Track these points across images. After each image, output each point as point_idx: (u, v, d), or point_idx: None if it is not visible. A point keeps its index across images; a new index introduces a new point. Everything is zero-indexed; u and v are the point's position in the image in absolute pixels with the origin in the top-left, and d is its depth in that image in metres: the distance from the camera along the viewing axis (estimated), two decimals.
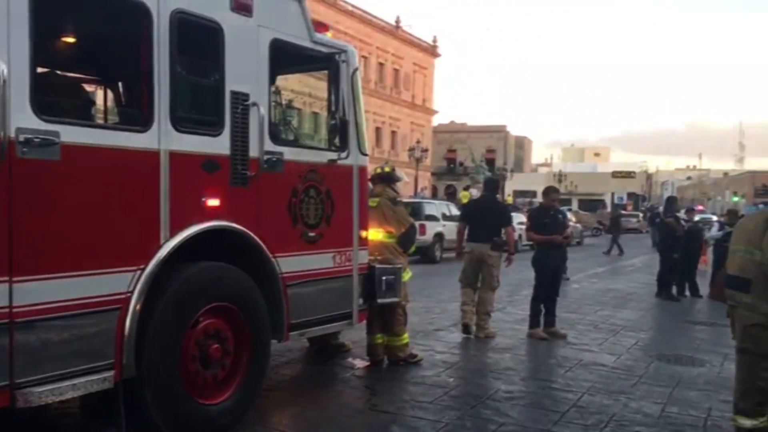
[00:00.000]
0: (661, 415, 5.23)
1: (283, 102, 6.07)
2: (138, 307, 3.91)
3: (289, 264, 5.00)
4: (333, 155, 5.47)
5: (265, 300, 4.78)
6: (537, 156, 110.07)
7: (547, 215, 8.53)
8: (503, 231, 8.38)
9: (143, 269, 3.97)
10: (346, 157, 5.56)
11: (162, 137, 4.09)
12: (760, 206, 31.83)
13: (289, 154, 5.05)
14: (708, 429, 4.95)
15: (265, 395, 5.20)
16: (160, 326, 4.02)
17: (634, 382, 6.19)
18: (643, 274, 17.02)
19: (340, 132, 5.51)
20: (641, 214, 50.83)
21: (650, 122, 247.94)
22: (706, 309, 11.82)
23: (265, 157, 4.78)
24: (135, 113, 4.09)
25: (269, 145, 4.84)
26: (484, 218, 8.39)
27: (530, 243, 8.98)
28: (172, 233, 4.13)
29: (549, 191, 8.79)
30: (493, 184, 9.56)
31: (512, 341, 7.93)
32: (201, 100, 4.62)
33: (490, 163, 71.89)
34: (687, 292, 13.04)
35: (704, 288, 13.11)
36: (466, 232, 8.61)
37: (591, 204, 62.71)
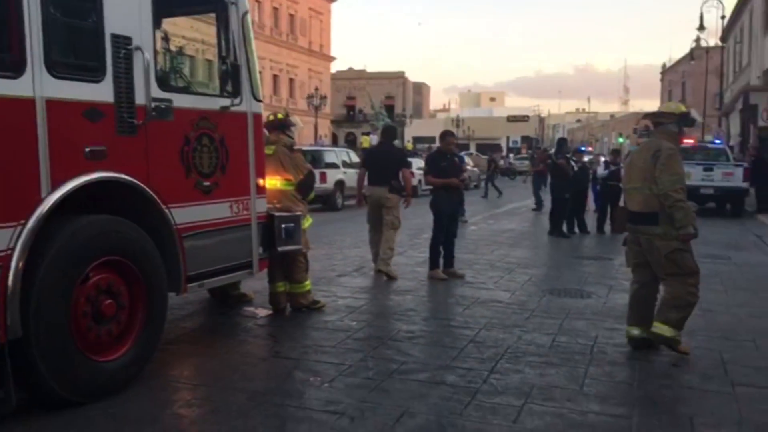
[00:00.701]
0: (552, 344, 5.52)
1: (173, 48, 5.81)
2: (20, 264, 3.70)
3: (183, 215, 4.86)
4: (225, 102, 5.29)
5: (160, 252, 4.64)
6: (435, 102, 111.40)
7: (444, 159, 8.66)
8: (401, 175, 8.60)
9: (24, 225, 3.75)
10: (240, 104, 5.40)
11: (37, 84, 3.82)
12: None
13: (179, 101, 4.86)
14: (594, 355, 5.26)
15: (164, 349, 5.11)
16: (47, 284, 3.84)
17: (528, 316, 6.49)
18: (537, 214, 17.74)
19: (232, 77, 5.34)
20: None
21: (542, 68, 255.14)
22: (594, 245, 12.49)
23: (153, 104, 4.57)
24: (4, 58, 3.79)
25: (157, 92, 4.63)
26: (382, 163, 8.71)
27: (429, 188, 9.12)
28: (54, 186, 3.91)
29: (445, 135, 8.91)
30: (391, 131, 9.76)
31: (413, 283, 8.10)
32: (79, 44, 4.33)
33: (390, 109, 72.09)
34: (576, 230, 13.72)
35: (591, 225, 13.85)
36: (366, 177, 8.90)
37: (488, 148, 64.28)
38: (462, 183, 8.85)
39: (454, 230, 8.83)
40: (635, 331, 5.46)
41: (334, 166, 20.08)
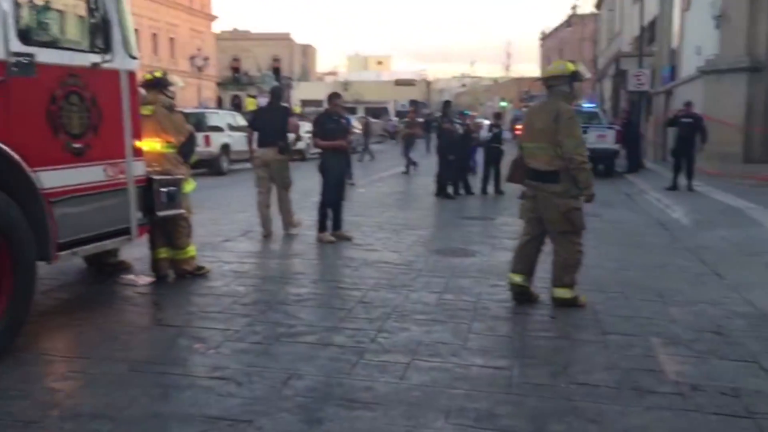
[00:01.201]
0: (438, 302, 5.65)
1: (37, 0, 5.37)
2: None
3: (52, 179, 4.55)
4: (96, 58, 4.97)
5: (27, 218, 4.34)
6: (323, 65, 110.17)
7: (331, 121, 8.58)
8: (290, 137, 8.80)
9: None
10: (112, 61, 5.09)
11: None
12: (523, 110, 34.75)
13: (44, 56, 4.51)
14: (478, 310, 5.43)
15: (36, 321, 4.82)
16: None
17: (415, 276, 6.61)
18: (423, 176, 18.00)
19: (103, 32, 5.00)
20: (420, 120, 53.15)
21: (428, 31, 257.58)
22: (478, 206, 12.86)
23: (13, 59, 4.22)
24: None
25: (17, 46, 4.28)
26: (271, 124, 8.78)
27: (318, 151, 9.07)
28: None
29: (332, 97, 8.82)
30: (279, 91, 9.72)
31: (301, 247, 8.05)
32: None
33: (276, 72, 70.65)
34: (462, 191, 14.07)
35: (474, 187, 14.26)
36: (256, 138, 8.93)
37: (376, 112, 64.53)
38: (349, 145, 8.83)
39: (343, 193, 8.81)
40: (517, 278, 5.70)
41: (218, 129, 19.52)
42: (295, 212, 9.09)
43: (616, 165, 19.43)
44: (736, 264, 7.39)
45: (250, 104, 37.64)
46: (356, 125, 28.83)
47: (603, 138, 18.43)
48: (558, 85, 5.65)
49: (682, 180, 14.29)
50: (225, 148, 19.21)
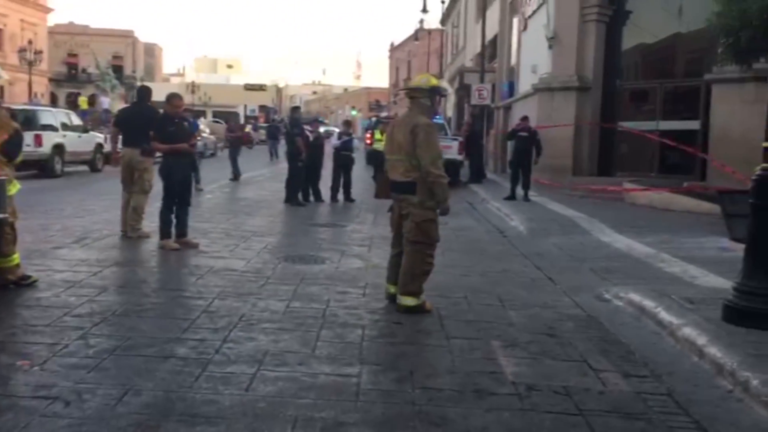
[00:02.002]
0: (286, 310, 5.56)
1: None
2: None
3: None
4: None
5: None
6: (169, 65, 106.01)
7: (171, 123, 8.21)
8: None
9: None
10: None
11: None
12: (373, 119, 35.38)
13: None
14: (326, 318, 5.39)
15: None
16: None
17: (263, 283, 6.47)
18: (273, 182, 17.78)
19: None
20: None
21: (280, 37, 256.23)
22: (328, 212, 12.90)
23: None
24: None
25: None
26: (135, 124, 8.64)
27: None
28: None
29: (172, 98, 8.42)
30: (146, 91, 9.61)
31: (143, 255, 7.67)
32: None
33: (118, 70, 67.16)
34: (312, 198, 14.04)
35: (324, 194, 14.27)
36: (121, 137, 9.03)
37: (225, 116, 63.14)
38: (192, 148, 8.49)
39: (188, 198, 8.48)
40: (393, 289, 5.82)
41: (51, 128, 18.18)
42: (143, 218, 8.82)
43: (460, 175, 20.25)
44: (567, 269, 7.91)
45: (83, 103, 35.64)
46: (205, 129, 28.05)
47: (448, 149, 19.09)
48: (419, 97, 5.78)
49: (520, 190, 15.14)
50: (58, 148, 17.95)
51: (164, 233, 8.10)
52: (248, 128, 35.05)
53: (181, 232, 8.32)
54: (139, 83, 63.55)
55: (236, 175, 18.44)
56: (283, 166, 14.90)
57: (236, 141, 19.51)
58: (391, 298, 5.86)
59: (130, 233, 8.54)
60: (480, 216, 13.21)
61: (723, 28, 10.90)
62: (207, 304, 5.62)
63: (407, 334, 5.13)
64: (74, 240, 8.23)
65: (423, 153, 5.47)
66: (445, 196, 5.58)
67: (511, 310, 5.94)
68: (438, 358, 4.61)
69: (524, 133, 15.33)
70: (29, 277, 5.97)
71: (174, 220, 8.22)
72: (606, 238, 9.98)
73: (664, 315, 5.41)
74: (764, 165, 5.05)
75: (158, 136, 8.22)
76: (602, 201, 14.82)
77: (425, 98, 5.77)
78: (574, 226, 11.23)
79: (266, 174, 20.66)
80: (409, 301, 5.64)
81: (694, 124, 15.71)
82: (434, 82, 5.88)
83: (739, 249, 9.04)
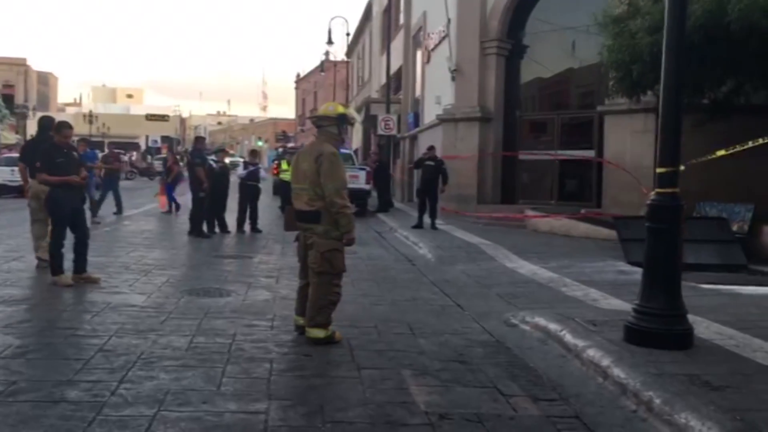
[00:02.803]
0: (189, 346, 5.30)
1: None
2: None
3: None
4: None
5: None
6: (64, 95, 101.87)
7: (60, 154, 7.77)
8: None
9: None
10: None
11: None
12: (280, 149, 35.12)
13: None
14: (232, 353, 5.18)
15: None
16: None
17: (164, 319, 6.17)
18: (172, 215, 17.28)
19: None
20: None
21: (183, 68, 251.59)
22: (234, 243, 12.58)
23: None
24: None
25: None
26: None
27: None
28: None
29: (61, 127, 7.98)
30: (47, 122, 9.21)
31: (31, 291, 7.17)
32: None
33: (9, 99, 63.84)
34: (216, 229, 13.67)
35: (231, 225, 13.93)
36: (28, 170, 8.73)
37: (125, 146, 61.16)
38: (83, 181, 8.02)
39: (85, 230, 8.02)
40: (301, 321, 5.67)
41: None
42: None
43: (368, 204, 20.33)
44: (474, 296, 7.99)
45: None
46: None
47: (356, 178, 19.18)
48: (326, 126, 5.70)
49: (427, 218, 15.31)
50: None
51: (56, 269, 7.60)
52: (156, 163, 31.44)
53: (80, 267, 7.85)
54: (31, 113, 60.82)
55: (119, 208, 17.16)
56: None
57: (113, 172, 17.83)
58: (300, 329, 5.71)
59: (42, 255, 8.41)
60: (388, 245, 13.25)
61: (614, 63, 11.53)
62: (103, 342, 5.28)
63: (316, 366, 4.99)
64: None
65: (327, 182, 5.39)
66: (350, 226, 5.50)
67: (421, 338, 5.91)
68: (348, 389, 4.49)
69: (431, 162, 15.57)
70: None
71: (63, 255, 7.73)
72: (511, 264, 10.19)
73: (569, 338, 5.51)
74: (658, 190, 5.26)
75: (46, 167, 7.75)
76: (506, 228, 15.20)
77: (332, 126, 5.71)
78: (480, 253, 11.42)
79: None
80: (317, 332, 5.50)
81: (589, 154, 16.42)
82: (341, 109, 5.83)
83: (636, 272, 9.49)
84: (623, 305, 7.05)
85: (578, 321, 6.01)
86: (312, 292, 5.55)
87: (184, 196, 15.41)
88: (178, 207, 17.95)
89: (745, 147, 7.11)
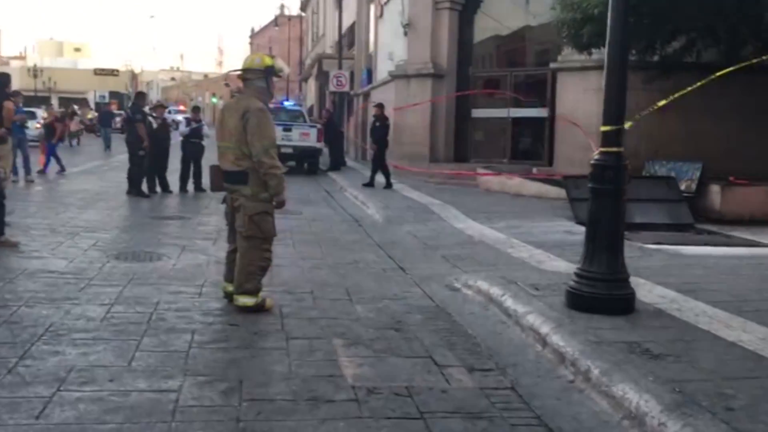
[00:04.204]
0: (106, 317, 4.92)
1: None
2: None
3: None
4: None
5: None
6: (8, 48, 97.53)
7: None
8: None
9: None
10: None
11: None
12: None
13: None
14: (152, 323, 4.83)
15: None
16: None
17: (83, 286, 5.76)
18: (118, 172, 16.56)
19: None
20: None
21: (135, 22, 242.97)
22: (175, 204, 12.09)
23: None
24: None
25: None
26: None
27: None
28: None
29: None
30: (5, 79, 9.25)
31: None
32: None
33: None
34: (158, 189, 13.14)
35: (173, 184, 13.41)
36: None
37: (76, 102, 59.08)
38: (4, 136, 7.46)
39: (1, 190, 7.49)
40: (230, 288, 5.34)
41: None
42: None
43: (319, 163, 19.89)
44: (419, 258, 7.75)
45: None
46: (44, 115, 25.78)
47: (306, 136, 18.73)
48: (253, 79, 5.27)
49: (380, 177, 14.99)
50: None
51: None
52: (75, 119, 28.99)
53: None
54: None
55: (62, 168, 16.21)
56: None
57: (50, 130, 16.87)
58: (229, 297, 5.37)
59: None
60: (337, 204, 12.92)
61: (566, 21, 11.23)
62: (10, 313, 4.87)
63: (242, 337, 4.68)
64: None
65: (255, 140, 5.00)
66: (280, 188, 5.13)
67: (358, 304, 5.64)
68: (273, 363, 4.19)
69: (377, 123, 15.31)
70: None
71: None
72: (459, 225, 9.98)
73: (510, 303, 5.31)
74: (602, 149, 5.03)
75: None
76: (458, 188, 14.98)
77: (259, 80, 5.29)
78: (429, 213, 11.18)
79: (114, 163, 19.25)
80: (246, 300, 5.18)
81: (542, 112, 16.21)
82: (268, 61, 5.38)
83: (583, 232, 9.37)
84: (569, 267, 6.84)
85: (520, 285, 5.82)
86: (240, 257, 5.21)
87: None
88: (63, 168, 16.34)
89: (683, 93, 6.95)
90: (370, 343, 4.63)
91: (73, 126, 28.02)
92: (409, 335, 4.85)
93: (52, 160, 16.29)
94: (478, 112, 17.57)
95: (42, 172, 15.68)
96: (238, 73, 5.44)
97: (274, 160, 5.08)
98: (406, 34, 17.74)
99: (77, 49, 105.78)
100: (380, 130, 15.22)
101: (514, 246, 8.26)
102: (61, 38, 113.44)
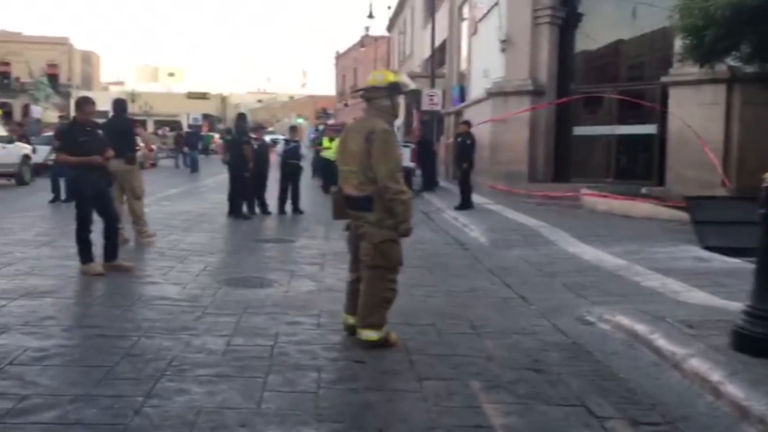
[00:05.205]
0: (226, 350, 4.68)
1: None
2: None
3: None
4: None
5: None
6: (108, 74, 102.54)
7: (83, 133, 7.17)
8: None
9: None
10: None
11: None
12: (320, 127, 34.48)
13: None
14: (275, 358, 4.54)
15: None
16: None
17: (199, 314, 5.57)
18: (217, 193, 16.74)
19: None
20: (217, 136, 51.37)
21: (224, 46, 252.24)
22: (275, 226, 12.00)
23: None
24: None
25: None
26: (117, 136, 8.54)
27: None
28: None
29: (82, 103, 7.40)
30: (121, 103, 9.77)
31: (58, 282, 6.61)
32: None
33: (54, 78, 64.56)
34: (257, 210, 13.11)
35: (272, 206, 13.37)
36: None
37: (167, 125, 61.35)
38: (107, 161, 7.38)
39: (113, 214, 7.47)
40: (351, 320, 5.01)
41: None
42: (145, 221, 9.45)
43: (413, 183, 19.56)
44: (539, 286, 7.23)
45: None
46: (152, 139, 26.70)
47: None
48: (376, 98, 4.92)
49: (473, 197, 14.51)
50: None
51: (84, 257, 7.05)
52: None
53: (111, 254, 7.32)
54: (74, 92, 61.31)
55: (56, 196, 14.31)
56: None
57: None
58: (351, 330, 5.04)
59: (142, 239, 9.17)
60: (437, 227, 12.51)
61: (686, 27, 10.51)
62: (131, 344, 4.70)
63: (371, 376, 4.32)
64: None
65: (379, 164, 4.65)
66: (407, 214, 4.74)
67: (486, 338, 5.20)
68: (410, 409, 3.81)
69: (459, 139, 14.94)
70: None
71: (93, 241, 7.20)
72: (573, 249, 9.38)
73: (663, 343, 4.73)
74: None
75: (67, 147, 7.17)
76: (560, 208, 14.31)
77: (383, 98, 4.94)
78: (536, 236, 10.62)
79: (210, 183, 19.53)
80: (370, 334, 4.82)
81: (651, 128, 15.35)
82: (392, 77, 4.97)
83: (715, 259, 8.61)
84: (712, 299, 6.25)
85: (669, 321, 5.22)
86: (364, 288, 4.86)
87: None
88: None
89: None
90: (511, 386, 4.18)
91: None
92: (552, 377, 4.37)
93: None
94: (580, 130, 16.83)
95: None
96: (361, 92, 5.13)
97: (400, 185, 4.72)
98: (503, 50, 17.26)
99: (171, 74, 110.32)
100: (471, 147, 14.76)
101: (639, 273, 7.61)
102: (156, 64, 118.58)
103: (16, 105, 57.19)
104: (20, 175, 19.05)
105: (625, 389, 4.20)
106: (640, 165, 16.13)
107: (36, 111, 53.18)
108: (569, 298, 6.66)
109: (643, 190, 14.29)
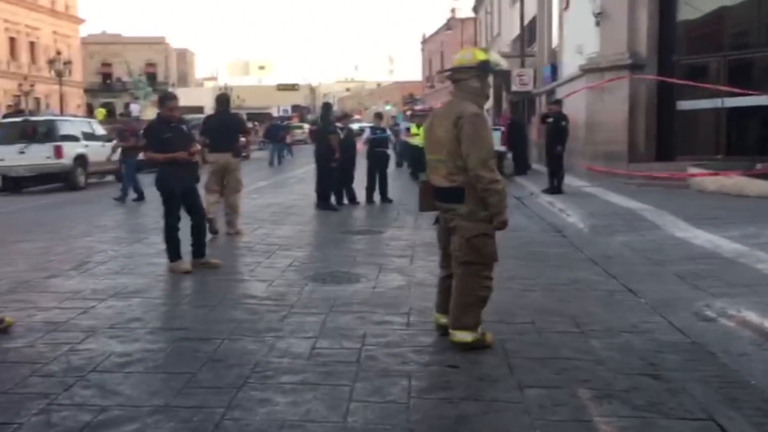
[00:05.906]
0: (311, 354, 4.42)
1: None
2: None
3: None
4: None
5: None
6: (202, 70, 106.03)
7: (168, 129, 7.08)
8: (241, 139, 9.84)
9: None
10: None
11: None
12: (408, 113, 34.15)
13: None
14: (362, 363, 4.25)
15: None
16: None
17: (285, 314, 5.35)
18: (305, 185, 16.70)
19: None
20: (306, 126, 51.92)
21: (311, 36, 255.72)
22: (363, 217, 11.77)
23: None
24: None
25: None
26: (223, 131, 9.26)
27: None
28: None
29: (165, 99, 7.31)
30: (225, 98, 9.94)
31: (146, 281, 6.58)
32: None
33: (151, 77, 67.15)
34: (345, 200, 12.93)
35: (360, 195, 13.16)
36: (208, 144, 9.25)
37: (259, 117, 62.66)
38: (193, 156, 7.29)
39: (200, 211, 7.40)
40: (443, 320, 4.67)
41: (72, 138, 17.39)
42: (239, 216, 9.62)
43: (504, 167, 18.93)
44: (647, 276, 6.64)
45: (99, 114, 35.43)
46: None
47: None
48: (465, 79, 4.49)
49: (568, 180, 13.83)
50: (80, 159, 17.15)
51: (172, 255, 7.01)
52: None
53: (199, 252, 7.26)
54: (172, 89, 63.65)
55: (124, 194, 13.73)
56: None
57: (129, 151, 14.10)
58: (443, 330, 4.68)
59: (229, 230, 9.30)
60: (531, 212, 11.93)
61: None
62: (213, 349, 4.52)
63: (466, 383, 3.95)
64: (73, 266, 7.22)
65: (470, 151, 4.24)
66: (502, 206, 4.31)
67: (593, 338, 4.72)
68: (511, 422, 3.42)
69: (549, 119, 14.17)
70: (1, 320, 4.94)
71: (182, 238, 7.14)
72: (682, 234, 8.64)
73: None
74: None
75: (152, 144, 7.12)
76: (664, 189, 13.40)
77: (472, 79, 4.51)
78: (640, 221, 9.90)
79: (299, 175, 19.57)
80: (464, 336, 4.45)
81: (764, 99, 14.11)
82: (481, 56, 4.51)
83: None
84: None
85: None
86: (456, 286, 4.49)
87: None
88: (126, 196, 13.81)
89: None
90: (625, 395, 3.72)
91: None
92: (672, 385, 3.87)
93: None
94: (684, 104, 15.71)
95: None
96: (448, 73, 4.73)
97: (494, 173, 4.29)
98: (598, 24, 16.30)
99: (261, 67, 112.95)
100: (565, 129, 14.01)
101: (763, 260, 6.88)
102: (247, 58, 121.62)
103: (119, 105, 59.76)
104: (73, 177, 16.87)
105: (760, 399, 3.66)
106: (754, 139, 14.90)
107: (135, 109, 55.49)
108: (683, 290, 6.05)
109: (758, 166, 13.15)
